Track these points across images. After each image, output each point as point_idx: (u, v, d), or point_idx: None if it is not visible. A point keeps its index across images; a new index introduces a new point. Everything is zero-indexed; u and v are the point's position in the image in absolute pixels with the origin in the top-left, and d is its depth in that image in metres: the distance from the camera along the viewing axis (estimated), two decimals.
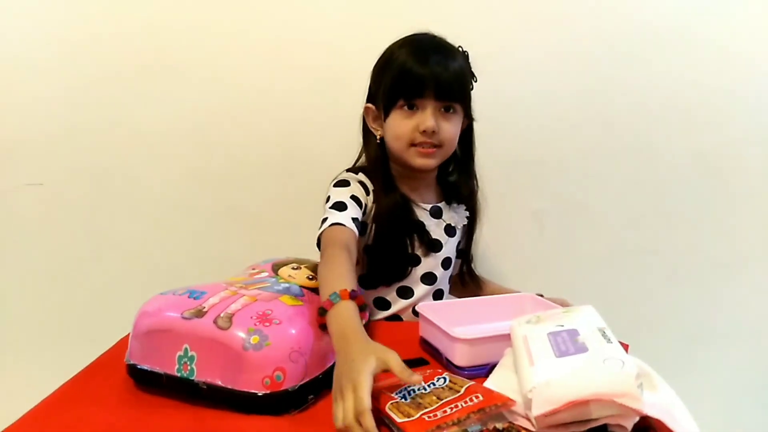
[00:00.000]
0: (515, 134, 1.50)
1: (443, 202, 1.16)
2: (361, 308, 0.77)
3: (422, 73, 1.00)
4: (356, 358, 0.65)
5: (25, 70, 1.45)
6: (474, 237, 1.21)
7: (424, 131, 1.01)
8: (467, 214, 1.18)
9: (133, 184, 1.50)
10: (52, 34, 1.44)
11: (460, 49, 1.07)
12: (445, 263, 1.14)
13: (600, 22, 1.47)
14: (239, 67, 1.46)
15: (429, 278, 1.12)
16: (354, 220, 0.99)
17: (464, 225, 1.18)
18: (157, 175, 1.50)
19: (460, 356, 0.78)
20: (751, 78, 1.51)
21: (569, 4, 1.46)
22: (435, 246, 1.11)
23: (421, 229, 1.10)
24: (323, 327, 0.76)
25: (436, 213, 1.14)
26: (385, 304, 1.10)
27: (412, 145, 1.04)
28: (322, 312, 0.75)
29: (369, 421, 0.58)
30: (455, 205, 1.17)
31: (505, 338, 0.76)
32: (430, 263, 1.11)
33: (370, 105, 1.09)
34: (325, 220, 0.99)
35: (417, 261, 1.10)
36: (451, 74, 1.02)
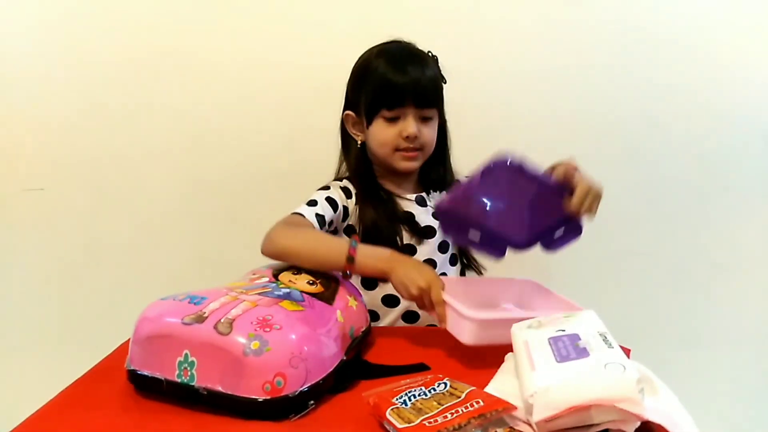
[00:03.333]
0: (516, 137, 1.50)
1: (424, 192, 1.19)
2: None
3: (403, 83, 1.05)
4: (420, 264, 0.93)
5: (26, 76, 1.46)
6: None
7: (407, 137, 1.07)
8: None
9: (134, 190, 1.50)
10: (54, 40, 1.45)
11: (429, 54, 1.12)
12: (442, 247, 1.16)
13: (601, 27, 1.48)
14: (240, 73, 1.46)
15: (430, 265, 1.12)
16: (318, 216, 1.05)
17: None
18: (158, 180, 1.50)
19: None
20: (750, 81, 1.51)
21: (571, 9, 1.47)
22: (427, 233, 1.14)
23: (410, 219, 1.13)
24: (348, 275, 0.92)
25: (422, 201, 1.17)
26: (393, 301, 1.11)
27: (396, 150, 1.10)
28: (351, 259, 0.91)
29: (443, 310, 0.85)
30: (434, 193, 1.19)
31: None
32: (427, 250, 1.13)
33: (350, 112, 1.14)
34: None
35: (413, 251, 1.12)
36: (428, 82, 1.08)
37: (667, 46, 1.48)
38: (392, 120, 1.07)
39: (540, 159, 1.52)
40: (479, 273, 1.25)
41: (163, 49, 1.45)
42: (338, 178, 1.18)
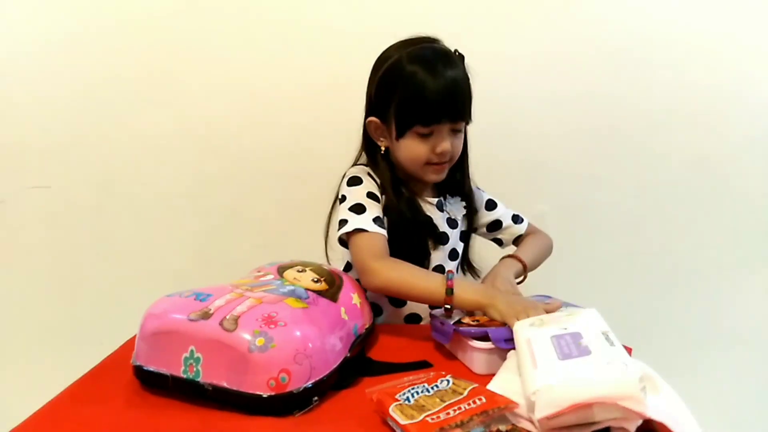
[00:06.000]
0: (518, 137, 1.51)
1: (441, 197, 1.17)
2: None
3: (441, 100, 1.01)
4: (521, 298, 0.93)
5: (32, 74, 1.47)
6: (472, 227, 1.23)
7: (441, 153, 1.05)
8: (464, 204, 1.19)
9: (140, 187, 1.51)
10: (59, 38, 1.45)
11: (457, 53, 1.07)
12: (452, 255, 1.16)
13: (602, 27, 1.48)
14: (245, 71, 1.47)
15: (439, 271, 1.13)
16: (378, 221, 1.02)
17: (463, 215, 1.19)
18: (164, 178, 1.51)
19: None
20: (751, 81, 1.51)
21: (573, 8, 1.47)
22: (442, 239, 1.13)
23: (430, 223, 1.12)
24: (449, 307, 0.91)
25: (441, 206, 1.16)
26: (400, 301, 1.11)
27: (427, 164, 1.07)
28: (450, 292, 0.90)
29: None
30: (450, 197, 1.18)
31: None
32: (439, 256, 1.13)
33: (374, 119, 1.08)
34: (344, 221, 1.02)
35: (427, 255, 1.12)
36: (463, 96, 1.04)
37: (667, 47, 1.48)
38: (425, 135, 1.04)
39: (541, 159, 1.53)
40: (477, 276, 1.25)
41: (169, 47, 1.46)
42: (360, 164, 1.14)
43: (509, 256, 1.15)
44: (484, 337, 0.82)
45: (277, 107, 1.48)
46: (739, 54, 1.49)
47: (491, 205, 1.24)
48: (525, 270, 1.13)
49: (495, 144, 1.48)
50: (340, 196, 1.08)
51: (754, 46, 1.49)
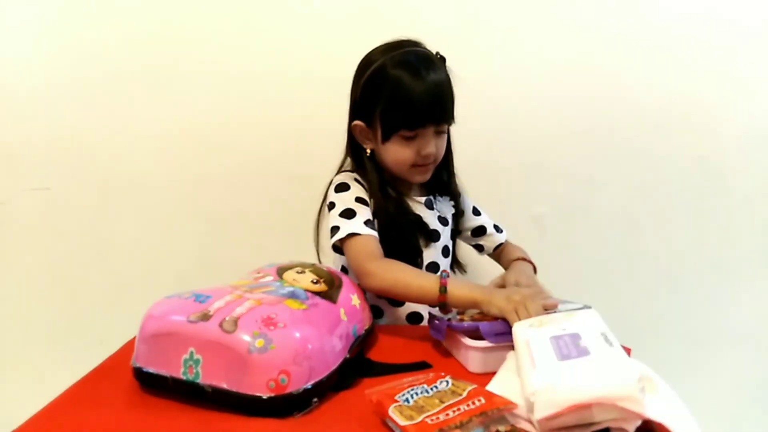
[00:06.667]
0: (516, 139, 1.51)
1: (430, 196, 1.19)
2: None
3: (425, 105, 1.02)
4: (519, 288, 0.96)
5: (30, 75, 1.47)
6: (459, 226, 1.25)
7: (425, 155, 1.07)
8: (452, 203, 1.22)
9: (139, 189, 1.51)
10: (59, 39, 1.45)
11: (438, 56, 1.08)
12: (445, 251, 1.17)
13: (600, 28, 1.48)
14: (245, 72, 1.47)
15: (433, 268, 1.14)
16: (369, 224, 1.04)
17: (452, 214, 1.21)
18: (163, 179, 1.51)
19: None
20: (750, 82, 1.51)
21: (571, 9, 1.47)
22: (433, 236, 1.14)
23: (420, 221, 1.13)
24: (444, 305, 0.93)
25: (430, 204, 1.17)
26: (399, 302, 1.12)
27: (412, 165, 1.09)
28: (444, 290, 0.92)
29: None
30: (439, 197, 1.20)
31: None
32: (432, 253, 1.14)
33: (359, 123, 1.10)
34: (336, 228, 1.04)
35: (419, 253, 1.12)
36: (447, 100, 1.05)
37: (667, 47, 1.49)
38: (410, 138, 1.05)
39: (539, 160, 1.53)
40: (464, 271, 1.28)
41: (169, 48, 1.46)
42: (345, 170, 1.16)
43: (519, 259, 1.19)
44: (477, 332, 0.82)
45: (277, 108, 1.48)
46: (738, 54, 1.49)
47: (476, 211, 1.28)
48: (535, 270, 1.18)
49: (494, 146, 1.49)
50: (328, 203, 1.10)
51: (753, 46, 1.49)
